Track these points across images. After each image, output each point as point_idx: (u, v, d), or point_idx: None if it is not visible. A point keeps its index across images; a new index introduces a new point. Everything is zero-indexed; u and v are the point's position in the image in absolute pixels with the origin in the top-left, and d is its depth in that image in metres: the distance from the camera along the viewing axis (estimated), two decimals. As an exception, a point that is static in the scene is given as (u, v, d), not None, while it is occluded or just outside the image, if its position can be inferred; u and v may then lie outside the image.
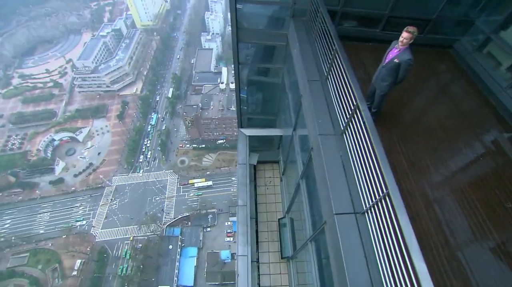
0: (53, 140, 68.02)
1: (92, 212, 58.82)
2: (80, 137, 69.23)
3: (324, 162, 4.04)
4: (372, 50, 7.53)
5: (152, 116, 75.87)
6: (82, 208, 59.51)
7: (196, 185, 61.45)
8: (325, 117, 4.64)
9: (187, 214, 57.11)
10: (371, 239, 3.38)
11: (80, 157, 67.19)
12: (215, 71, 79.39)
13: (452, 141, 5.61)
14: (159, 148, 67.80)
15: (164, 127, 72.93)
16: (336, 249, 3.49)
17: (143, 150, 68.78)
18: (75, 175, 63.71)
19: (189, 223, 56.65)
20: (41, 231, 55.91)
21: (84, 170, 64.61)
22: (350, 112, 3.98)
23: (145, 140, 70.67)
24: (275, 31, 7.26)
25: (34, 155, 65.88)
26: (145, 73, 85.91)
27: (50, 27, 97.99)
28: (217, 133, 68.68)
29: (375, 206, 3.32)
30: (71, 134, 69.42)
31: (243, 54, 8.18)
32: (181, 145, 69.65)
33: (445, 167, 5.17)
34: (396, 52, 4.53)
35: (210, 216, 56.70)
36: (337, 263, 3.41)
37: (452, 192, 4.83)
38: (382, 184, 3.12)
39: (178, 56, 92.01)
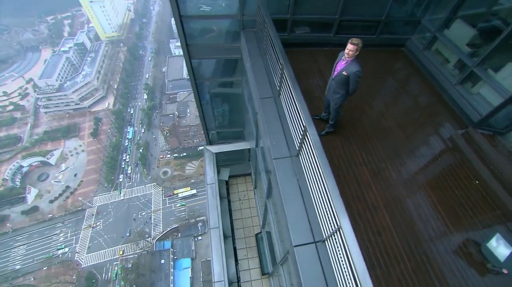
0: (21, 167, 63.35)
1: (74, 237, 55.58)
2: (52, 160, 65.08)
3: (280, 189, 3.84)
4: (328, 54, 7.46)
5: (128, 130, 72.92)
6: (63, 235, 56.03)
7: (180, 195, 59.96)
8: (279, 138, 4.43)
9: (176, 226, 55.64)
10: (333, 270, 3.22)
11: (55, 181, 63.17)
12: (188, 77, 77.67)
13: (410, 140, 5.64)
14: (140, 162, 65.40)
15: (141, 139, 70.42)
16: (299, 284, 3.30)
17: (123, 166, 65.95)
18: (51, 201, 59.83)
19: (179, 234, 55.18)
20: (18, 267, 51.96)
21: (60, 195, 60.85)
22: (301, 134, 3.80)
23: (124, 155, 67.81)
24: (228, 45, 6.98)
25: (0, 185, 61.05)
26: (115, 86, 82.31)
27: (3, 46, 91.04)
28: (197, 140, 67.36)
29: (333, 236, 3.16)
30: (41, 158, 65.02)
31: (200, 69, 7.85)
32: (162, 156, 67.64)
33: (406, 170, 5.18)
34: (343, 64, 4.42)
35: (200, 224, 55.62)
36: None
37: (415, 196, 4.83)
38: (336, 216, 2.97)
39: (149, 59, 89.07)
